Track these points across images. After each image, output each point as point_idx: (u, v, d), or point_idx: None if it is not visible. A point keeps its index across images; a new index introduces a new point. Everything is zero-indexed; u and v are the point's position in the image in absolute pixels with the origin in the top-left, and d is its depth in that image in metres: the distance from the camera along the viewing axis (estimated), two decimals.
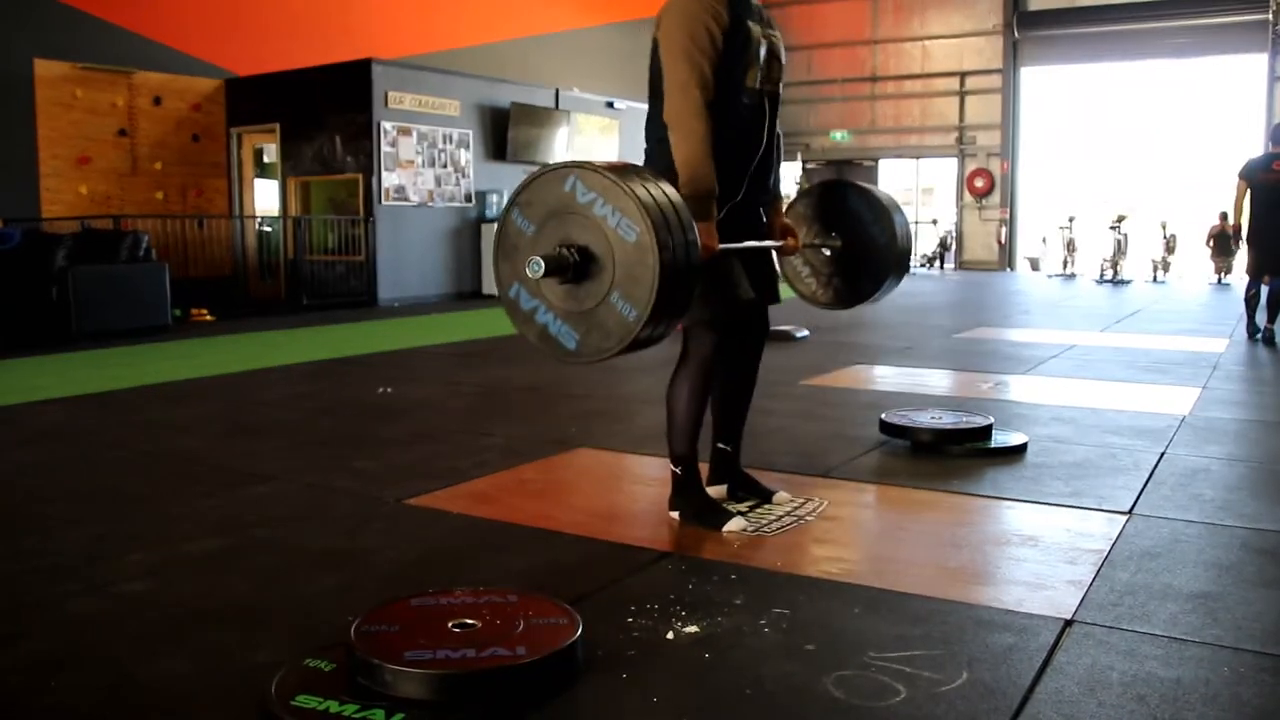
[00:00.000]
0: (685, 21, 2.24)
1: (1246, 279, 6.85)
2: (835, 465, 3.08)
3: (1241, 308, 7.08)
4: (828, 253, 2.83)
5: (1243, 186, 6.66)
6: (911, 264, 2.83)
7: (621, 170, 1.92)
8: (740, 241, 2.38)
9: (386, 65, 9.83)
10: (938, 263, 16.71)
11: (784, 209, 2.65)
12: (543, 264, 1.86)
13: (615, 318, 1.89)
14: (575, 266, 1.90)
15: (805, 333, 6.49)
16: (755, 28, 2.34)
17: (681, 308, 2.00)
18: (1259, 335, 6.60)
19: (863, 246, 2.81)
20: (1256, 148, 14.33)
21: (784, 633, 1.81)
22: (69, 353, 6.10)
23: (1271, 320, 6.53)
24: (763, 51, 2.35)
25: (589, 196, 1.88)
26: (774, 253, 2.61)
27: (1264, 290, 6.60)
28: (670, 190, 1.97)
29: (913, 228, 17.81)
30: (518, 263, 1.96)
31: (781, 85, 2.47)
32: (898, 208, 2.84)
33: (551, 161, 11.85)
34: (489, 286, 10.70)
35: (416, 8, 11.84)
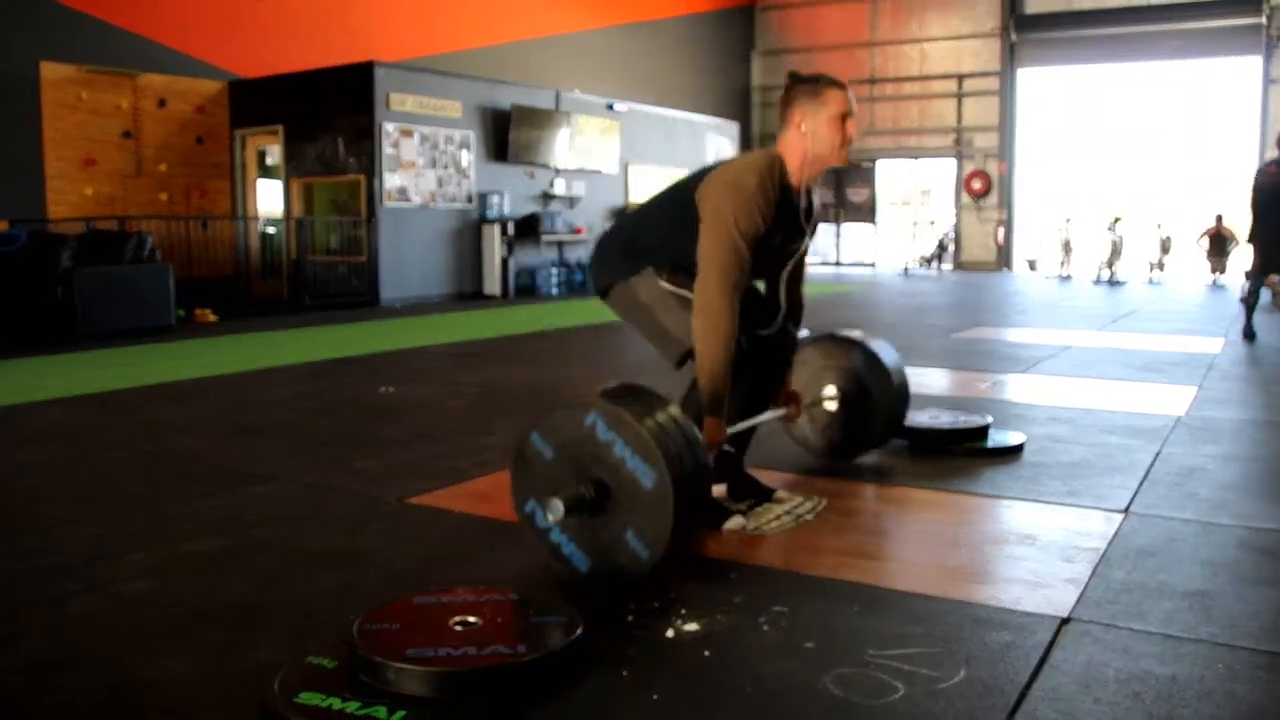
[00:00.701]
0: (743, 207, 2.24)
1: (1246, 281, 6.90)
2: (834, 464, 3.10)
3: (1237, 308, 7.10)
4: (830, 410, 2.94)
5: (1255, 193, 6.68)
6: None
7: (640, 409, 1.95)
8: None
9: (389, 67, 9.85)
10: (935, 263, 16.73)
11: (792, 374, 2.73)
12: (562, 508, 1.91)
13: (628, 553, 1.94)
14: (591, 504, 1.95)
15: (805, 333, 6.48)
16: (779, 238, 2.38)
17: (693, 529, 2.07)
18: (1254, 336, 6.64)
19: (862, 404, 2.92)
20: (1251, 150, 14.40)
21: (784, 631, 1.82)
22: (73, 353, 6.12)
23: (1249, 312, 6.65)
24: (771, 250, 2.39)
25: (608, 436, 1.93)
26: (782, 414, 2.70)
27: (1264, 293, 6.71)
28: (684, 422, 2.00)
29: (912, 229, 17.83)
30: (534, 482, 2.03)
31: (811, 241, 2.54)
32: (900, 368, 2.96)
33: (553, 164, 11.77)
34: (490, 287, 10.72)
35: (418, 10, 11.86)
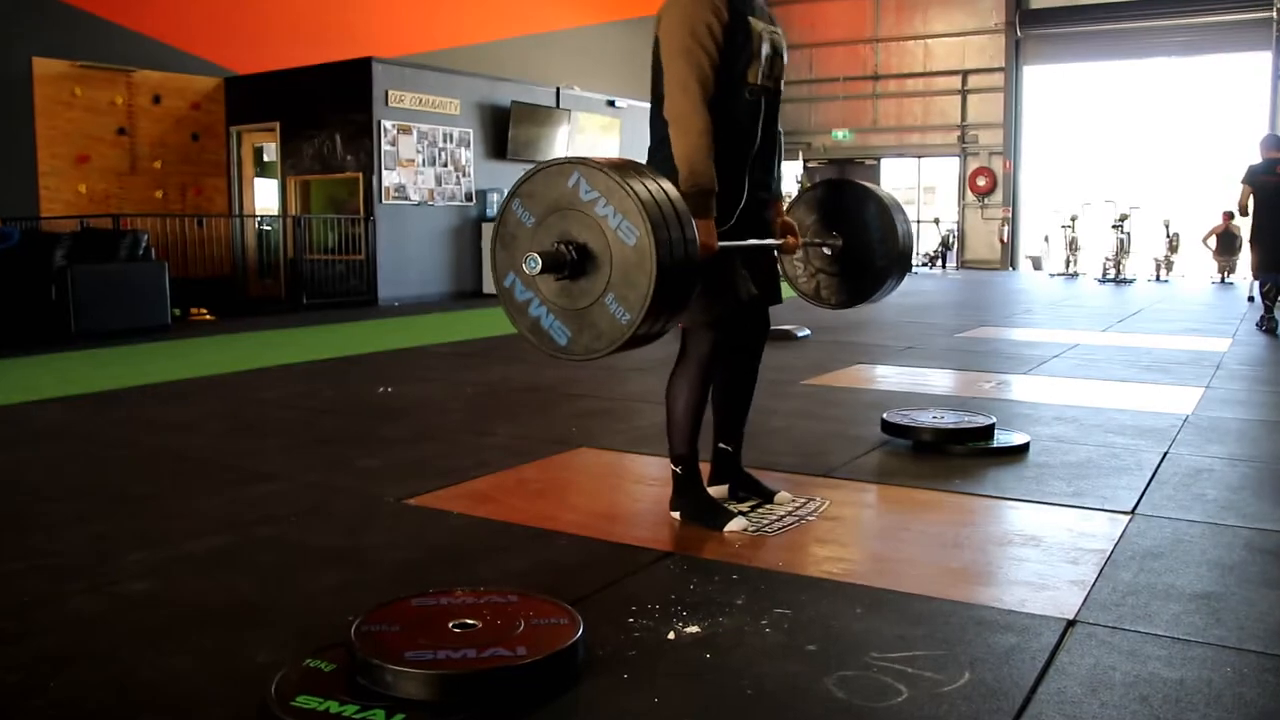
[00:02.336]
0: (686, 18, 2.23)
1: (1255, 279, 7.24)
2: (837, 465, 3.08)
3: (1244, 307, 7.28)
4: (828, 252, 2.83)
5: (1247, 190, 7.03)
6: (913, 263, 2.87)
7: (625, 169, 1.90)
8: (744, 238, 2.37)
9: (387, 64, 9.82)
10: (940, 262, 16.70)
11: (785, 208, 2.65)
12: (539, 261, 1.86)
13: (608, 319, 1.89)
14: (572, 264, 1.89)
15: (806, 332, 6.48)
16: (757, 24, 2.33)
17: (678, 308, 1.99)
18: (1265, 326, 6.98)
19: (863, 246, 2.80)
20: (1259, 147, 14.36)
21: (785, 633, 1.80)
22: (68, 352, 6.10)
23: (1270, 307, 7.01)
24: (765, 48, 2.34)
25: (591, 195, 1.87)
26: (776, 251, 2.60)
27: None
28: (672, 190, 1.97)
29: (915, 227, 17.90)
30: (515, 253, 1.95)
31: (782, 83, 2.46)
32: (899, 207, 2.83)
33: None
34: (489, 286, 10.69)
35: (417, 6, 11.84)
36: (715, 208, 2.24)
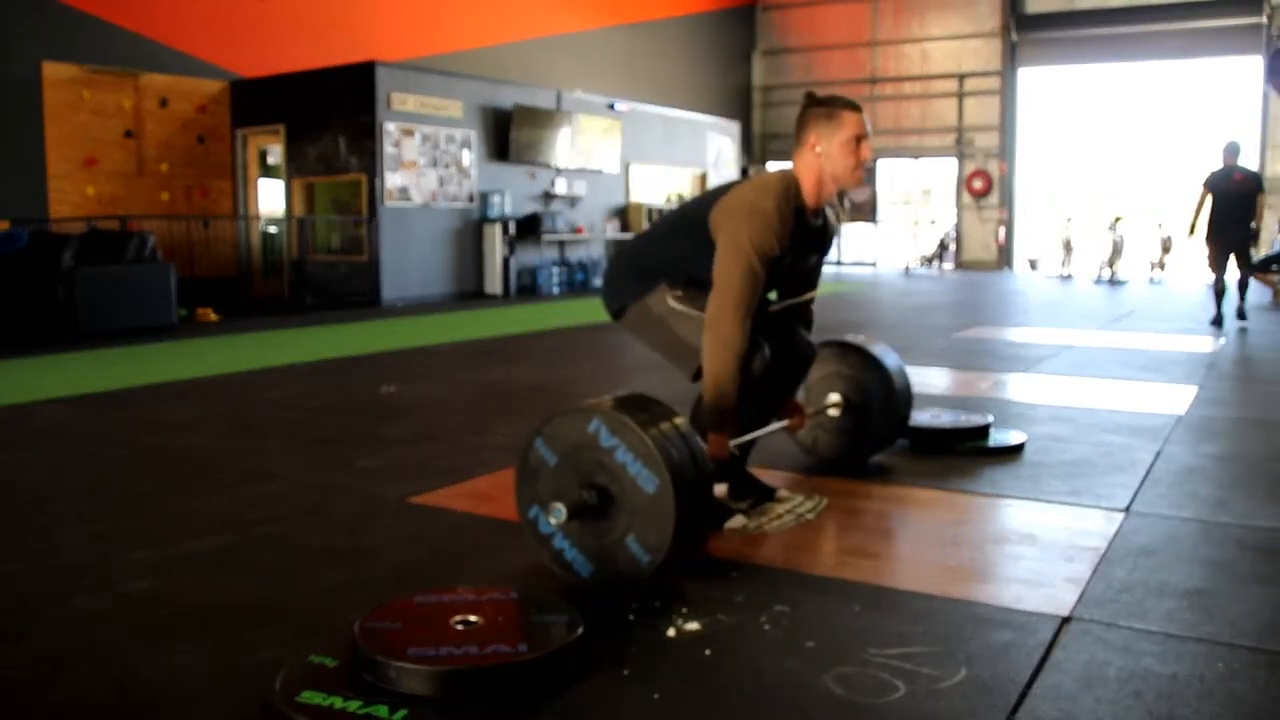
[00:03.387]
0: (760, 230, 2.25)
1: (1212, 272, 7.81)
2: (839, 467, 3.10)
3: (1235, 306, 7.72)
4: (833, 414, 2.95)
5: (1205, 194, 7.61)
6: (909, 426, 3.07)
7: (643, 417, 1.96)
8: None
9: (390, 67, 9.85)
10: (936, 263, 16.72)
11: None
12: (565, 512, 1.92)
13: (628, 559, 1.94)
14: (594, 509, 1.95)
15: None
16: (790, 258, 2.38)
17: (696, 541, 2.06)
18: (1220, 323, 7.48)
19: (866, 409, 2.92)
20: (1252, 149, 14.43)
21: (784, 630, 1.82)
22: (75, 352, 6.12)
23: (1242, 299, 7.61)
24: (784, 266, 2.40)
25: (611, 442, 1.94)
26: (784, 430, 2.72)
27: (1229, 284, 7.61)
28: (688, 432, 2.01)
29: (912, 228, 17.81)
30: (538, 488, 2.03)
31: (819, 267, 2.58)
32: (901, 371, 2.97)
33: (555, 163, 11.76)
34: (491, 287, 10.72)
35: (419, 10, 11.86)
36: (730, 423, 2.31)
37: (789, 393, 2.67)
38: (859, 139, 2.34)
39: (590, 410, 1.98)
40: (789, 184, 2.33)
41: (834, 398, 2.94)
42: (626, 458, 1.92)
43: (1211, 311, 7.66)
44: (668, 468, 1.88)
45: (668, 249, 2.46)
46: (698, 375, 2.38)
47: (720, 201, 2.33)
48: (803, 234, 2.38)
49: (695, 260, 2.34)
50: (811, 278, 2.60)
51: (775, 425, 2.62)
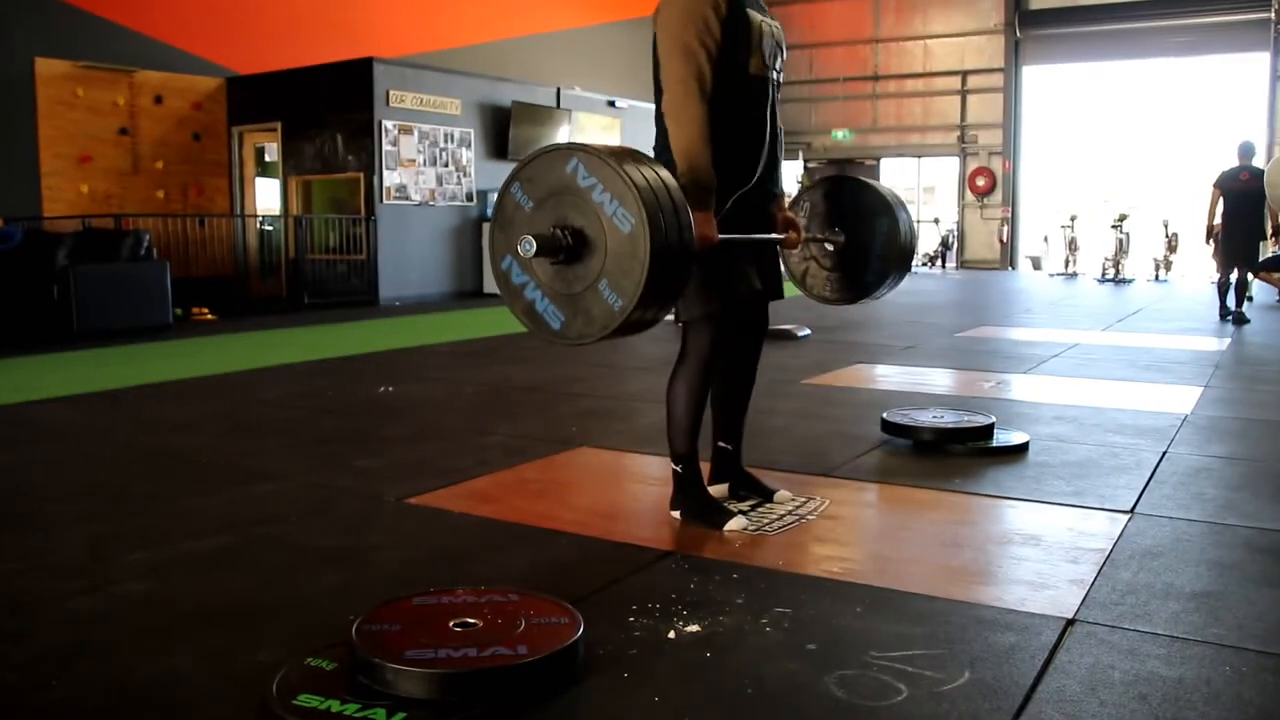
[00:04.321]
0: (683, 13, 2.24)
1: (1219, 274, 8.06)
2: (837, 464, 3.08)
3: (1242, 305, 7.66)
4: (830, 248, 2.83)
5: (1216, 194, 7.79)
6: (915, 260, 2.86)
7: (623, 157, 1.91)
8: (747, 233, 2.38)
9: (388, 64, 9.83)
10: (939, 261, 16.70)
11: (786, 204, 2.65)
12: (534, 244, 1.87)
13: (601, 305, 1.89)
14: (567, 249, 1.90)
15: (807, 332, 6.49)
16: (755, 15, 2.34)
17: (671, 296, 2.01)
18: (1229, 317, 7.65)
19: (866, 242, 2.80)
20: (1259, 147, 14.42)
21: (785, 632, 1.80)
22: (70, 352, 6.11)
23: (1240, 304, 7.74)
24: (765, 40, 2.35)
25: (589, 181, 1.88)
26: (778, 246, 2.61)
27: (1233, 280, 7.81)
28: (670, 179, 1.97)
29: (915, 226, 17.90)
30: (513, 236, 1.96)
31: (781, 76, 2.47)
32: (901, 204, 2.84)
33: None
34: (490, 285, 10.71)
35: (418, 6, 11.84)
36: (715, 200, 2.25)
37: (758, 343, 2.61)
38: None
39: (569, 149, 1.92)
40: None
41: (834, 232, 2.81)
42: (603, 197, 1.85)
43: (1221, 308, 7.80)
44: (644, 204, 1.82)
45: (664, 138, 2.32)
46: (678, 318, 2.35)
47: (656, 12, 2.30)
48: (748, 1, 2.32)
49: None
50: (774, 92, 2.45)
51: (771, 236, 2.51)
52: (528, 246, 1.86)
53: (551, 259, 1.92)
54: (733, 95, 2.30)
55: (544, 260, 1.93)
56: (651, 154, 2.41)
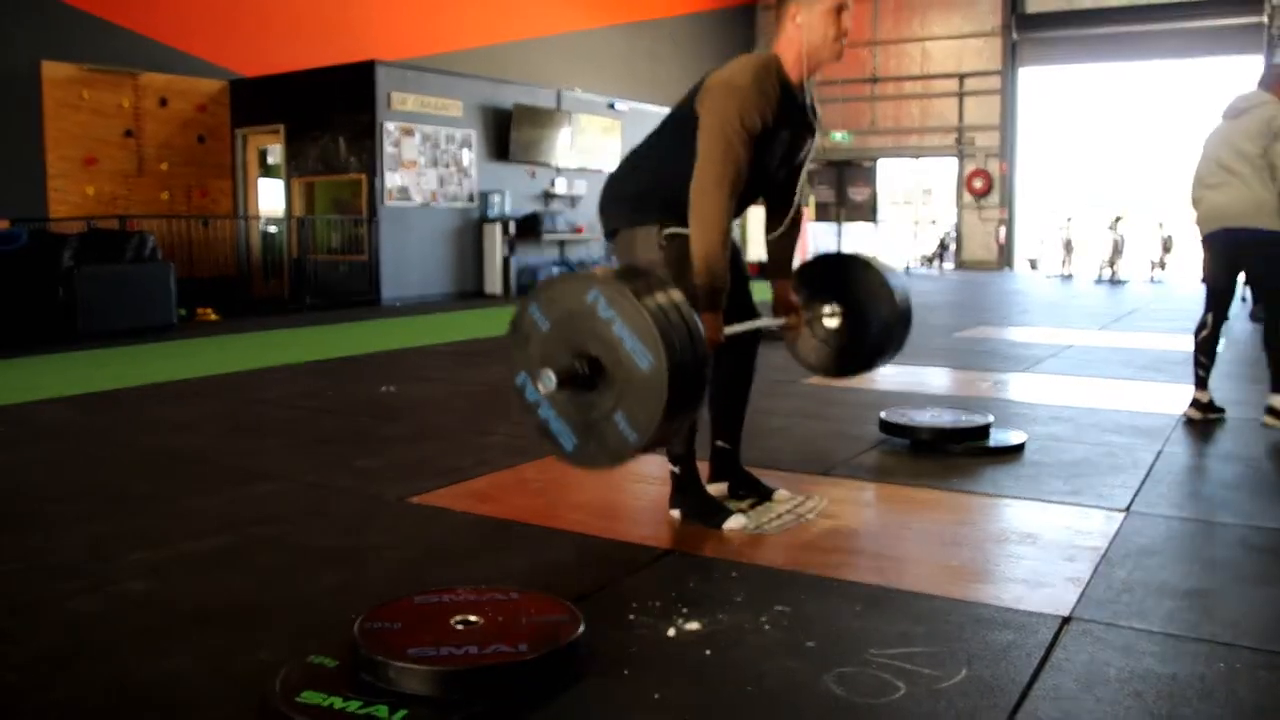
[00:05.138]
0: (739, 107, 2.23)
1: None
2: (835, 464, 3.10)
3: (1237, 306, 7.92)
4: (832, 325, 2.86)
5: None
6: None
7: (642, 288, 1.91)
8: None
9: (390, 66, 9.85)
10: (937, 262, 16.72)
11: (790, 286, 2.67)
12: (555, 379, 1.88)
13: (615, 436, 1.91)
14: (584, 378, 1.91)
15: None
16: (786, 135, 2.35)
17: (686, 416, 2.01)
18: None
19: (864, 317, 2.82)
20: None
21: (785, 630, 1.82)
22: (74, 351, 6.12)
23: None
24: (778, 151, 2.37)
25: (608, 314, 1.89)
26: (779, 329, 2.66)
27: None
28: (686, 308, 1.95)
29: (913, 228, 17.79)
30: (529, 354, 1.98)
31: (804, 165, 2.51)
32: (895, 272, 2.87)
33: (555, 163, 11.70)
34: (491, 286, 10.72)
35: (419, 10, 11.86)
36: (724, 301, 2.27)
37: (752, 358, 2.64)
38: (840, 9, 2.30)
39: (589, 279, 1.93)
40: (769, 59, 2.31)
41: (831, 307, 2.83)
42: (623, 332, 1.86)
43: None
44: (664, 346, 1.83)
45: (664, 160, 2.38)
46: None
47: (704, 86, 2.31)
48: (790, 109, 2.35)
49: (688, 163, 2.28)
50: (794, 181, 2.52)
51: (771, 321, 2.54)
52: (549, 382, 1.88)
53: (569, 388, 1.93)
54: (765, 167, 2.34)
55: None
56: (640, 158, 2.46)
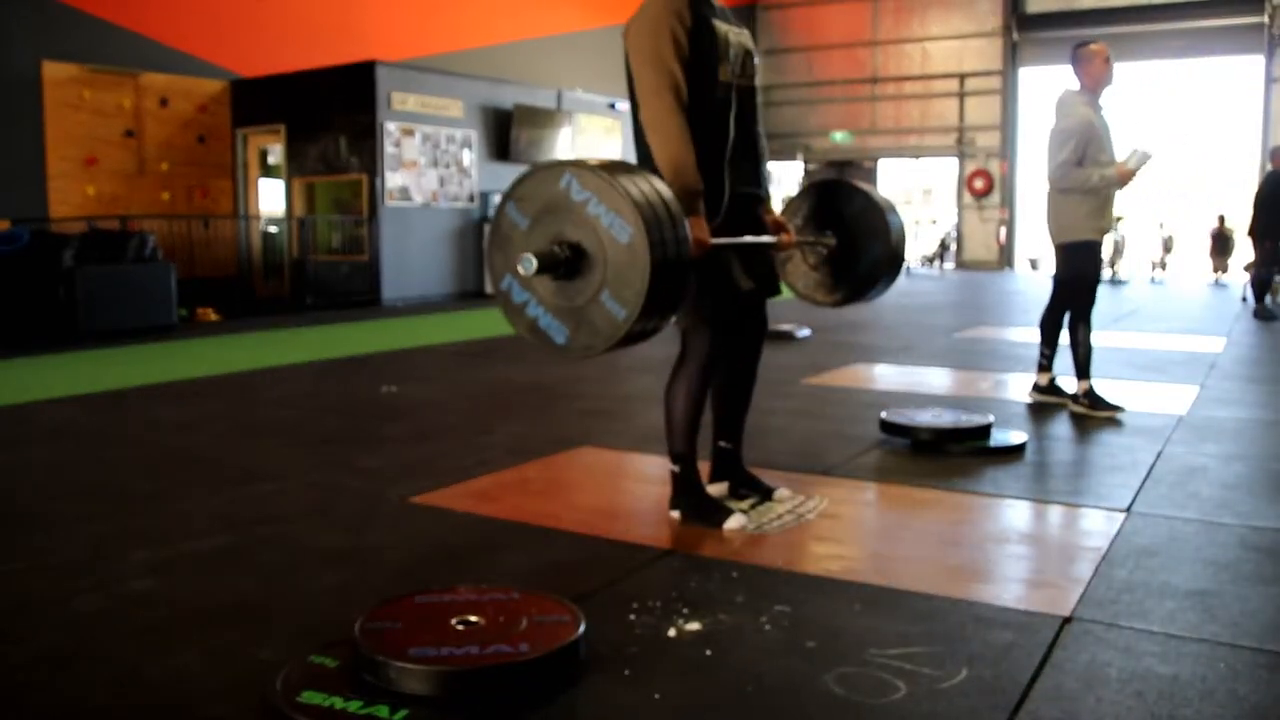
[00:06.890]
0: (652, 27, 2.29)
1: (1253, 271, 8.59)
2: (836, 463, 3.10)
3: (1239, 307, 8.40)
4: (823, 251, 2.85)
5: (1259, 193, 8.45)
6: (906, 263, 2.85)
7: (616, 170, 1.93)
8: (738, 236, 2.40)
9: (390, 67, 9.85)
10: (937, 262, 16.71)
11: (780, 208, 2.67)
12: (535, 262, 1.88)
13: (604, 316, 1.91)
14: (566, 263, 1.92)
15: (806, 332, 6.50)
16: (722, 25, 2.38)
17: (672, 305, 2.02)
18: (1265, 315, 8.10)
19: (857, 245, 2.82)
20: (1253, 149, 14.47)
21: (785, 630, 1.82)
22: (76, 352, 6.12)
23: (1258, 298, 8.30)
24: (732, 49, 2.38)
25: (583, 195, 1.90)
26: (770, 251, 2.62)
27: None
28: (663, 188, 1.99)
29: (913, 228, 17.79)
30: (510, 256, 1.97)
31: (756, 81, 2.50)
32: (893, 207, 2.85)
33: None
34: (492, 286, 10.73)
35: (420, 10, 11.86)
36: (703, 206, 2.27)
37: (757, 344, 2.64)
38: None
39: (561, 165, 1.94)
40: None
41: (826, 235, 2.82)
42: (599, 209, 1.87)
43: (1254, 305, 8.27)
44: (640, 214, 1.84)
45: (640, 130, 2.37)
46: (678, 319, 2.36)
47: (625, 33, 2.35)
48: (711, 10, 2.36)
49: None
50: (754, 100, 2.50)
51: (764, 238, 2.51)
52: (528, 265, 1.88)
53: (552, 275, 1.94)
54: (703, 104, 2.33)
55: (544, 277, 1.95)
56: (636, 160, 2.45)
